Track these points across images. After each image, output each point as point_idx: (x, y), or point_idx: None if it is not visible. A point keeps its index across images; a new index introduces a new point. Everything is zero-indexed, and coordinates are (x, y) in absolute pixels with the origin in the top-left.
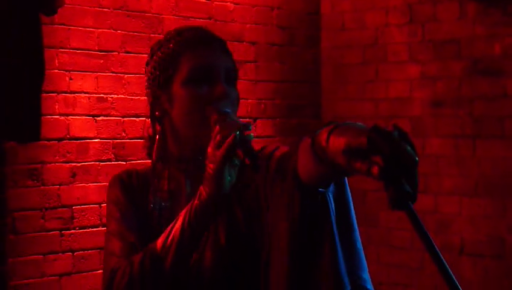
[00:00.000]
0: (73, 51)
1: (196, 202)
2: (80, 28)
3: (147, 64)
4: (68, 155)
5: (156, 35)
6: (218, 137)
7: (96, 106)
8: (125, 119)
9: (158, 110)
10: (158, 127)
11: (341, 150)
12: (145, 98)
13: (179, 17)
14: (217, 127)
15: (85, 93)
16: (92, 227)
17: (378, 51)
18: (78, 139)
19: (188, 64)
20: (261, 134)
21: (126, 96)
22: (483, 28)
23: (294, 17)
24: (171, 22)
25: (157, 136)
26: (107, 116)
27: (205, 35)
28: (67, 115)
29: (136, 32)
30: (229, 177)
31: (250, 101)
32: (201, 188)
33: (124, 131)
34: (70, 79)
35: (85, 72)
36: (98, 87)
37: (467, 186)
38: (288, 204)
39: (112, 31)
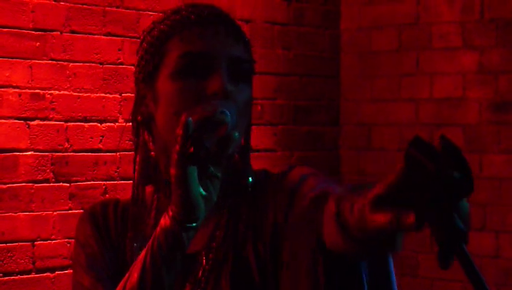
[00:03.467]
0: None
1: (159, 229)
2: None
3: (137, 52)
4: None
5: (114, 8)
6: (176, 148)
7: (30, 106)
8: (69, 124)
9: (142, 112)
10: (143, 136)
11: (370, 206)
12: (98, 95)
13: None
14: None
15: (14, 87)
16: (22, 273)
17: (419, 33)
18: (3, 152)
19: (176, 51)
20: (257, 146)
21: (71, 92)
22: None
23: None
24: None
25: (139, 149)
26: (44, 119)
27: (206, 12)
28: None
29: (85, 4)
30: (203, 192)
31: None
32: (168, 208)
33: (68, 141)
34: None
35: (14, 59)
36: (32, 80)
37: None
38: (309, 270)
39: (53, 2)
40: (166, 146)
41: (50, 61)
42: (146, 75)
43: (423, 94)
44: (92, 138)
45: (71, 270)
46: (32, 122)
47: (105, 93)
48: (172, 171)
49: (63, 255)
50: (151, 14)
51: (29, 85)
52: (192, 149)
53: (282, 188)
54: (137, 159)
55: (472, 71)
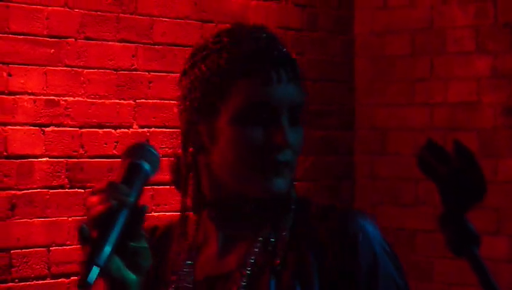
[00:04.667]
0: (13, 36)
1: None
2: (23, 6)
3: (185, 73)
4: (5, 180)
5: (127, 15)
6: None
7: (45, 112)
8: (83, 130)
9: (193, 141)
10: (197, 167)
11: None
12: (112, 101)
13: None
14: None
15: (29, 94)
16: (37, 279)
17: (433, 37)
18: (19, 158)
19: (243, 97)
20: None
21: (85, 98)
22: None
23: None
24: None
25: (192, 177)
26: (59, 126)
27: (270, 52)
28: (4, 124)
29: (99, 11)
30: (132, 276)
31: None
32: None
33: (82, 147)
34: (9, 75)
35: (29, 66)
36: (46, 87)
37: None
38: None
39: (67, 9)
40: (216, 180)
41: (64, 68)
42: (203, 108)
43: (437, 99)
44: (106, 144)
45: None
46: (47, 129)
47: (120, 100)
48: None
49: (78, 260)
50: (165, 20)
51: (44, 92)
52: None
53: (348, 241)
54: (189, 188)
55: (486, 76)
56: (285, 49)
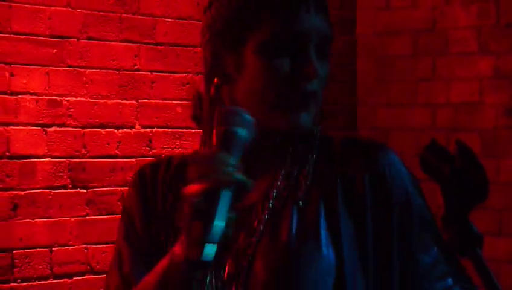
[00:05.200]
0: (15, 36)
1: (170, 266)
2: (26, 6)
3: (210, 5)
4: (8, 180)
5: (130, 15)
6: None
7: (47, 113)
8: (86, 130)
9: (217, 74)
10: (220, 98)
11: None
12: (115, 102)
13: None
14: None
15: (31, 94)
16: (40, 279)
17: (435, 38)
18: (21, 158)
19: (270, 26)
20: None
21: (88, 99)
22: None
23: None
24: None
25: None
26: (61, 126)
27: None
28: (7, 124)
29: (102, 11)
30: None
31: None
32: (180, 246)
33: (85, 147)
34: (12, 75)
35: (32, 66)
36: (49, 87)
37: None
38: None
39: (70, 9)
40: None
41: (67, 68)
42: (229, 39)
43: (440, 99)
44: (108, 144)
45: (89, 276)
46: (49, 129)
47: (122, 100)
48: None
49: (80, 260)
50: (168, 21)
51: (47, 92)
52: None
53: (378, 175)
54: (214, 122)
55: (488, 76)
56: None
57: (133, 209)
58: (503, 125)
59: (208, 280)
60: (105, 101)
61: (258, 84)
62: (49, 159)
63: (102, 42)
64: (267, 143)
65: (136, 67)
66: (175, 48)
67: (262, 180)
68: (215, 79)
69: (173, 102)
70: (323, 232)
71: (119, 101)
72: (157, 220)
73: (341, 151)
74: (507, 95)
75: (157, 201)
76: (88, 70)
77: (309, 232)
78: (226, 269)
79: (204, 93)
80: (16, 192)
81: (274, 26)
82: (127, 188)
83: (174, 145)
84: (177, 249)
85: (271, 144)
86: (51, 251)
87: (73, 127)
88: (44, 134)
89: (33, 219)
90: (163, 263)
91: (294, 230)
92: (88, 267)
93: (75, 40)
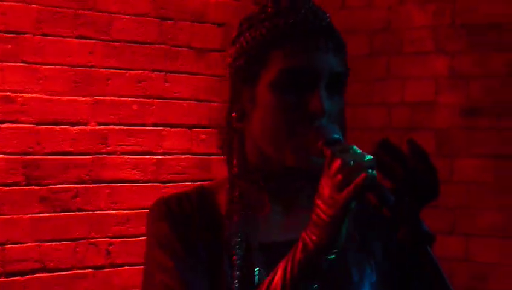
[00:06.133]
0: None
1: (299, 255)
2: None
3: (233, 42)
4: None
5: (86, 11)
6: (339, 176)
7: (1, 109)
8: (41, 127)
9: (237, 108)
10: (240, 132)
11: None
12: (70, 98)
13: None
14: (337, 161)
15: None
16: None
17: (391, 38)
18: None
19: (280, 63)
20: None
21: (43, 95)
22: None
23: None
24: None
25: (236, 142)
26: (14, 122)
27: (311, 21)
28: None
29: (57, 7)
30: (344, 228)
31: (214, 104)
32: (304, 235)
33: (39, 143)
34: None
35: None
36: (3, 83)
37: (511, 226)
38: None
39: (24, 5)
40: (258, 147)
41: (21, 64)
42: (246, 75)
43: (395, 98)
44: (63, 141)
45: (42, 274)
46: (2, 125)
47: (77, 96)
48: (330, 212)
49: (33, 258)
50: (123, 17)
51: (1, 88)
52: (386, 211)
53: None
54: (235, 155)
55: (444, 76)
56: (328, 20)
57: (172, 240)
58: (458, 125)
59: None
60: (60, 97)
61: (270, 120)
62: (3, 155)
63: (57, 38)
64: (293, 183)
65: (91, 64)
66: (131, 45)
67: (298, 213)
68: (233, 114)
69: (129, 99)
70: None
71: (74, 97)
72: (193, 243)
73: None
74: (462, 95)
75: (189, 227)
76: (43, 67)
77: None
78: None
79: (226, 124)
80: None
81: (284, 63)
82: (82, 185)
83: (129, 143)
84: (305, 249)
85: (297, 183)
86: (3, 249)
87: (27, 124)
88: None
89: None
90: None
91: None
92: (41, 265)
93: (30, 35)
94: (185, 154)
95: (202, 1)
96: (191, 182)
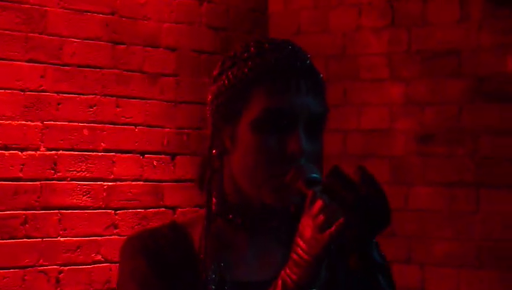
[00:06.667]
0: None
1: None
2: None
3: (214, 80)
4: None
5: (36, 34)
6: (321, 217)
7: None
8: None
9: (217, 146)
10: (220, 171)
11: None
12: (19, 123)
13: (69, 10)
14: (319, 202)
15: None
16: None
17: (346, 64)
18: None
19: (261, 103)
20: (182, 177)
21: None
22: (491, 36)
23: (232, 14)
24: (57, 16)
25: (215, 180)
26: None
27: (292, 62)
28: None
29: (7, 29)
30: (324, 267)
31: (167, 130)
32: (283, 274)
33: None
34: None
35: None
36: None
37: (467, 254)
38: None
39: None
40: (237, 184)
41: None
42: (226, 113)
43: (350, 125)
44: (12, 166)
45: None
46: None
47: (27, 121)
48: (312, 252)
49: None
50: (75, 41)
51: None
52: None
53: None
54: (214, 193)
55: (399, 103)
56: (308, 62)
57: (148, 276)
58: (413, 152)
59: None
60: (9, 122)
61: (249, 159)
62: None
63: (7, 62)
64: (269, 222)
65: (42, 87)
66: (83, 69)
67: (274, 253)
68: (214, 151)
69: (80, 124)
70: None
71: (24, 122)
72: (172, 276)
73: None
74: (417, 121)
75: (166, 260)
76: None
77: None
78: None
79: (206, 161)
80: None
81: (264, 103)
82: (31, 211)
83: (79, 169)
84: (283, 285)
85: (274, 223)
86: None
87: None
88: None
89: None
90: None
91: None
92: None
93: None
94: (137, 181)
95: (155, 25)
96: (142, 209)
